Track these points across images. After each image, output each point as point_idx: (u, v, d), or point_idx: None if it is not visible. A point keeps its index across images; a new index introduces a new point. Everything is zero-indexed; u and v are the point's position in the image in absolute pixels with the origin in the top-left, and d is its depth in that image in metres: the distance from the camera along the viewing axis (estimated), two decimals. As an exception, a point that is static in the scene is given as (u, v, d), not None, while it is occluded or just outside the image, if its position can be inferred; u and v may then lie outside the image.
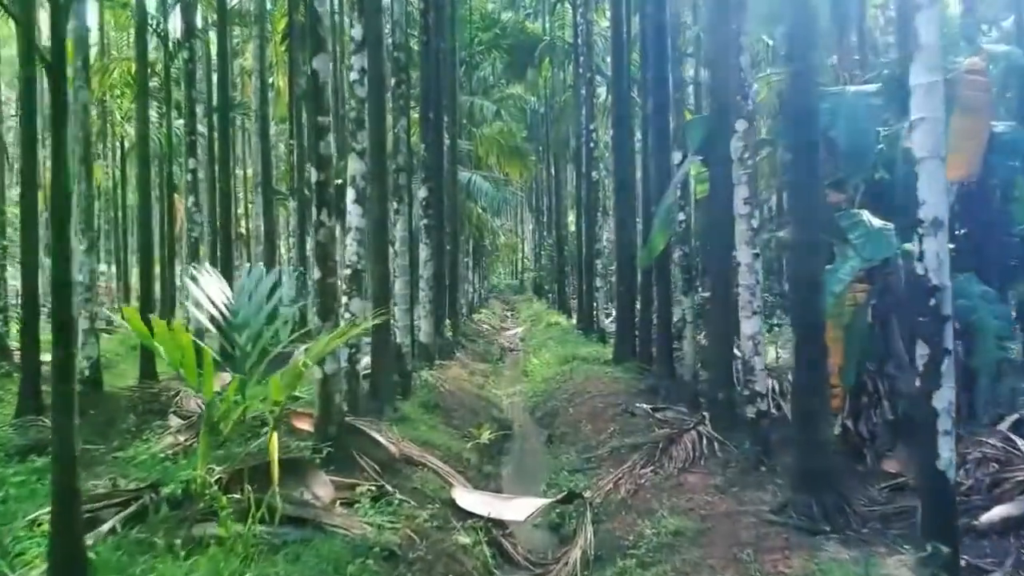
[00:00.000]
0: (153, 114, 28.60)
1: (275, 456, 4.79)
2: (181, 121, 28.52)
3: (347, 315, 7.91)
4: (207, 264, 5.34)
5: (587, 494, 7.49)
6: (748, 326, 7.88)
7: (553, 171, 37.04)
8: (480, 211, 25.78)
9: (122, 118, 30.36)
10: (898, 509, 6.64)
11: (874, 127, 8.67)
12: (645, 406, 10.93)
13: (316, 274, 6.86)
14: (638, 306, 16.00)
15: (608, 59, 31.47)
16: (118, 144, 30.69)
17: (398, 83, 11.13)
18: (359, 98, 8.18)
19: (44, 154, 33.14)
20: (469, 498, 7.10)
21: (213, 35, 22.12)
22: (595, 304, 21.28)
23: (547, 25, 31.64)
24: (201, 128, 26.68)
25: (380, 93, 9.36)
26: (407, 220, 11.02)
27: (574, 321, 25.71)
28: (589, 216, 21.50)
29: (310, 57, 6.66)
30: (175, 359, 4.27)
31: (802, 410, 6.43)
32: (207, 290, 5.00)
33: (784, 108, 7.73)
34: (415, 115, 17.66)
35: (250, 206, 25.46)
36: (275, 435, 4.76)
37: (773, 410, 10.57)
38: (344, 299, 7.96)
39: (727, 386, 9.54)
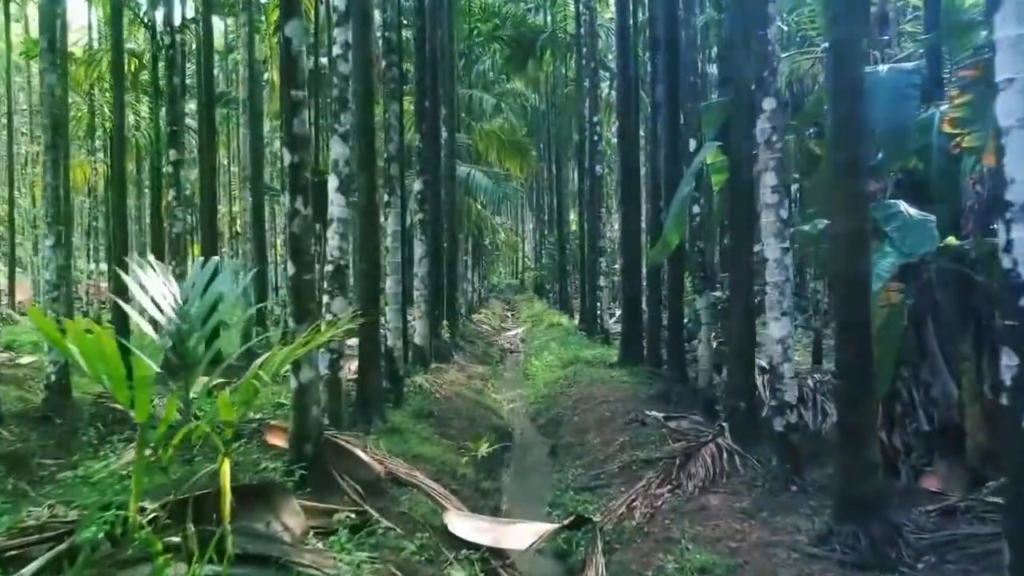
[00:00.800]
0: (144, 108, 27.84)
1: (227, 485, 3.96)
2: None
3: (328, 316, 7.09)
4: (151, 257, 4.49)
5: (597, 518, 6.65)
6: (777, 328, 7.04)
7: (555, 168, 36.23)
8: (480, 207, 24.93)
9: (111, 111, 29.50)
10: (950, 538, 5.84)
11: (914, 107, 7.86)
12: (656, 414, 10.11)
13: (290, 270, 6.03)
14: (644, 306, 15.23)
15: (611, 54, 30.73)
16: (108, 139, 29.79)
17: (388, 65, 10.28)
18: (342, 75, 7.35)
19: (33, 149, 32.14)
20: (464, 524, 6.27)
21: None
22: (599, 304, 20.45)
23: (548, 18, 30.84)
24: (192, 122, 25.94)
25: (367, 72, 8.53)
26: (399, 214, 10.19)
27: (576, 321, 24.94)
28: (592, 212, 20.68)
29: (282, 22, 5.83)
30: (95, 369, 3.44)
31: (846, 424, 5.60)
32: (149, 288, 4.18)
33: (826, 80, 6.90)
34: (410, 107, 16.88)
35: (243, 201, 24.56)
36: (227, 461, 3.93)
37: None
38: (325, 298, 7.14)
39: (748, 394, 8.72)
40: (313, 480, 6.05)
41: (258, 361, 3.87)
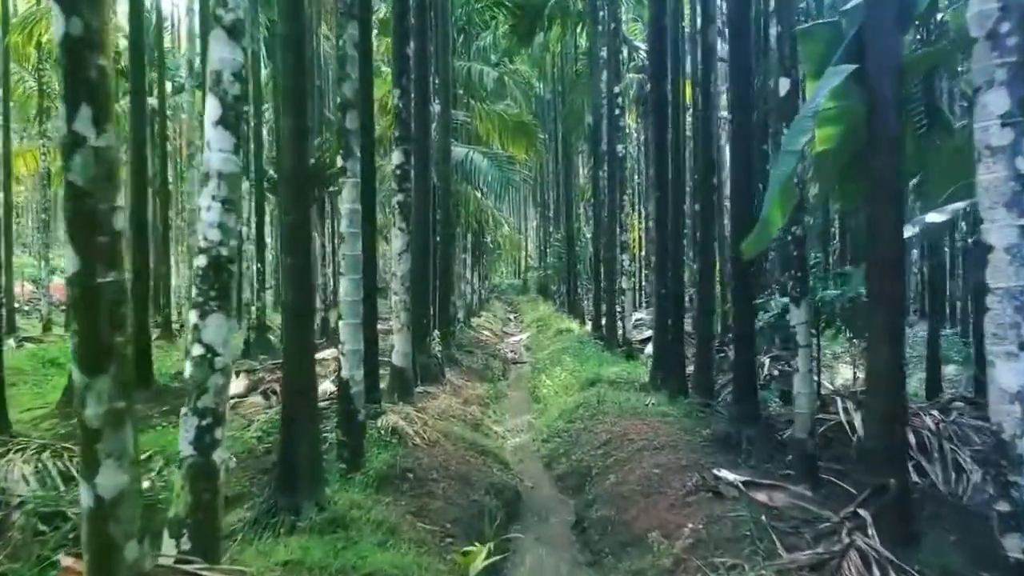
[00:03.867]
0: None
1: None
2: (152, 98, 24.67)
3: (197, 350, 3.90)
4: None
5: None
6: (1007, 373, 3.87)
7: (561, 160, 33.08)
8: (479, 195, 21.68)
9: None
10: None
11: None
12: (733, 478, 6.95)
13: (69, 263, 2.86)
14: (684, 313, 12.07)
15: (624, 29, 27.46)
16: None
17: (343, -31, 7.09)
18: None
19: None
20: None
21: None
22: (620, 309, 17.25)
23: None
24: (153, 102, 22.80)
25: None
26: (359, 186, 6.96)
27: (587, 328, 21.77)
28: (611, 200, 17.46)
29: None
30: None
31: None
32: None
33: None
34: (386, 73, 13.72)
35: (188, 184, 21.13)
36: None
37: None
38: (192, 316, 3.95)
39: (898, 463, 5.55)
40: None
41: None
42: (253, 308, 16.17)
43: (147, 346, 11.56)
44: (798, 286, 6.97)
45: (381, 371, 11.33)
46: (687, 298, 14.79)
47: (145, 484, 6.45)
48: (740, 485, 6.78)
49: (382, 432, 7.85)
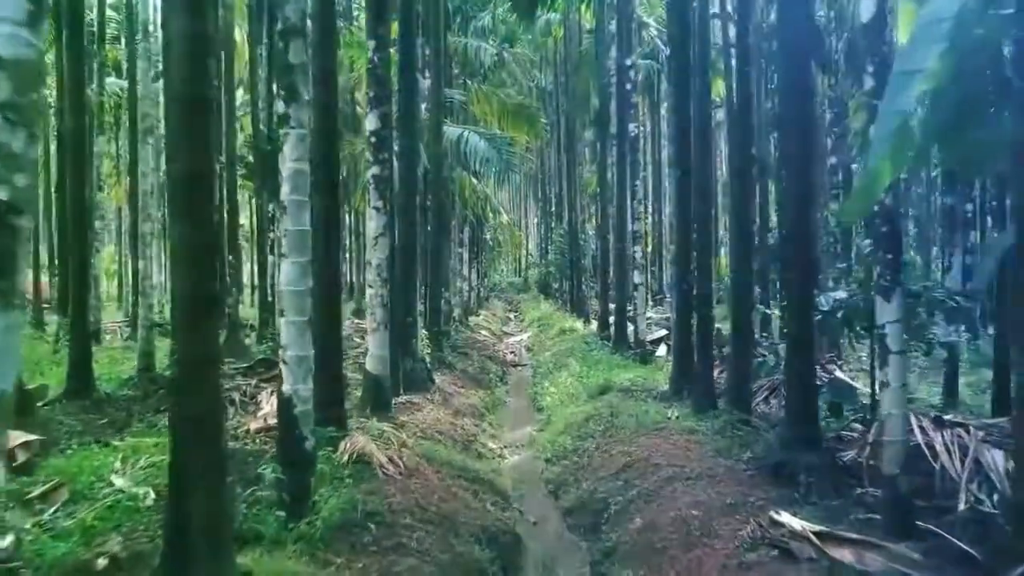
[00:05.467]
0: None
1: None
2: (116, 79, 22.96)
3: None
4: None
5: None
6: None
7: (564, 151, 31.36)
8: (475, 182, 19.90)
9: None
10: None
11: None
12: (799, 525, 5.24)
13: None
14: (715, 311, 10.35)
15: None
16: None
17: None
18: None
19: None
20: None
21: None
22: (633, 308, 15.50)
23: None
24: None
25: None
26: (305, 141, 5.23)
27: (593, 327, 20.05)
28: (622, 186, 15.73)
29: None
30: None
31: None
32: None
33: None
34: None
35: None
36: None
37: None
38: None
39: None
40: None
41: None
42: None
43: (86, 352, 9.87)
44: (889, 272, 5.24)
45: (357, 377, 9.70)
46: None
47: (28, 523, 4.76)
48: (813, 538, 5.07)
49: (342, 462, 6.12)
